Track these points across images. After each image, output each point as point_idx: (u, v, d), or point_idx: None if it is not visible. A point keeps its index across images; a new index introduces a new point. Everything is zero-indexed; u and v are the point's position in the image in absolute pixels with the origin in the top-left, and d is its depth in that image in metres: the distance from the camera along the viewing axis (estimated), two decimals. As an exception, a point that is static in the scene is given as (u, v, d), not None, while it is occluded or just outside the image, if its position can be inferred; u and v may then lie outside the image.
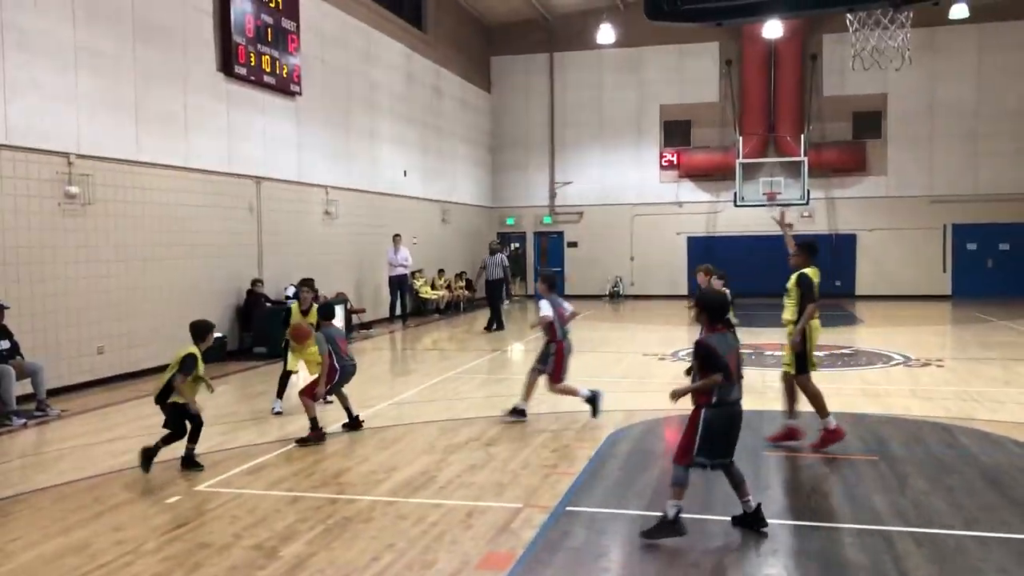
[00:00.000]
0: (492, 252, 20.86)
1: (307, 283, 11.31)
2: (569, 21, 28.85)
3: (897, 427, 9.20)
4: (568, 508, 6.53)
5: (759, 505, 5.93)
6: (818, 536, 5.92)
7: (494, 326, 19.75)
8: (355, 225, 20.19)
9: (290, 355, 10.46)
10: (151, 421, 10.20)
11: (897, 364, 13.91)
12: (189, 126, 14.49)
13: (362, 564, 5.43)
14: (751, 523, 5.89)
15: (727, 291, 10.48)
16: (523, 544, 5.74)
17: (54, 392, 11.29)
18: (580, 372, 12.83)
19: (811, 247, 8.37)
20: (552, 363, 9.53)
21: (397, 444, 8.81)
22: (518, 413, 9.60)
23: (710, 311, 5.94)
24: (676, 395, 5.81)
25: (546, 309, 9.51)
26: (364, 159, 20.86)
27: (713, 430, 5.68)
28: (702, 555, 5.57)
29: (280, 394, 10.51)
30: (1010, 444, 8.29)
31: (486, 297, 21.12)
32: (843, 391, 11.49)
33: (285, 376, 10.59)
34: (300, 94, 17.73)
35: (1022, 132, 26.16)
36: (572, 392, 9.55)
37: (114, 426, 10.00)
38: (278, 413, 10.34)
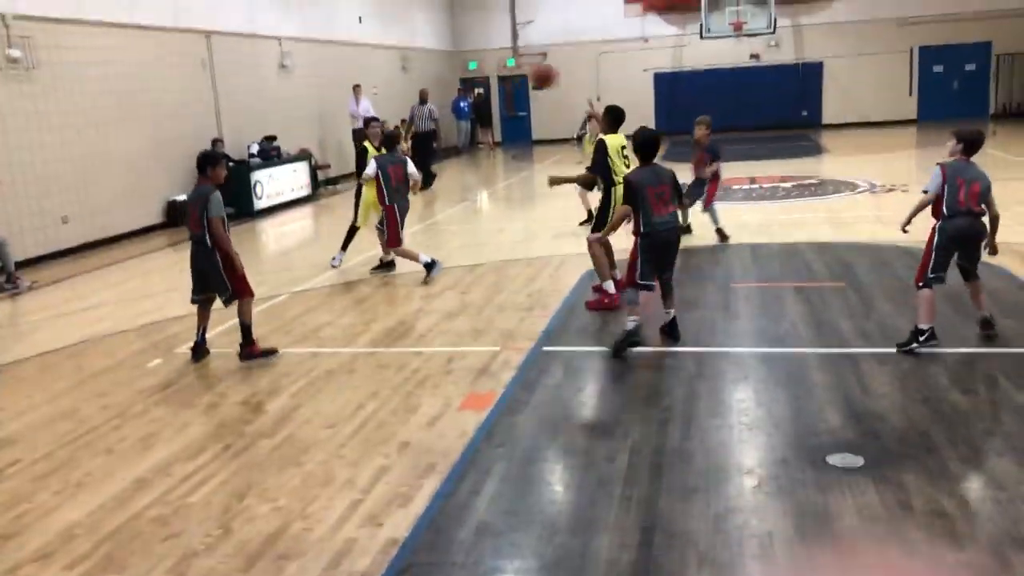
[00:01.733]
0: (422, 100, 19.61)
1: (374, 119, 10.92)
2: None
3: (862, 253, 9.39)
4: (544, 348, 6.70)
5: (674, 317, 6.60)
6: (786, 361, 6.15)
7: (425, 183, 17.76)
8: (313, 77, 19.58)
9: (360, 209, 10.09)
10: (123, 288, 10.21)
11: (863, 191, 14.05)
12: (128, -21, 13.73)
13: (348, 413, 5.59)
14: (668, 331, 6.60)
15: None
16: (502, 385, 5.92)
17: (22, 264, 11.18)
18: (555, 217, 12.88)
19: (615, 113, 7.68)
20: (386, 227, 9.33)
21: (374, 297, 8.90)
22: (386, 266, 9.89)
23: (641, 149, 6.40)
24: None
25: (370, 168, 9.26)
26: (317, 6, 19.99)
27: (648, 254, 6.32)
28: (675, 384, 5.78)
29: (345, 246, 10.36)
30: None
31: (414, 150, 18.83)
32: (809, 220, 11.65)
33: (352, 231, 10.31)
34: (243, -61, 16.76)
35: (993, -54, 25.45)
36: (411, 256, 9.28)
37: (86, 295, 9.98)
38: (335, 266, 10.25)
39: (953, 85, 26.76)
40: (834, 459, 4.49)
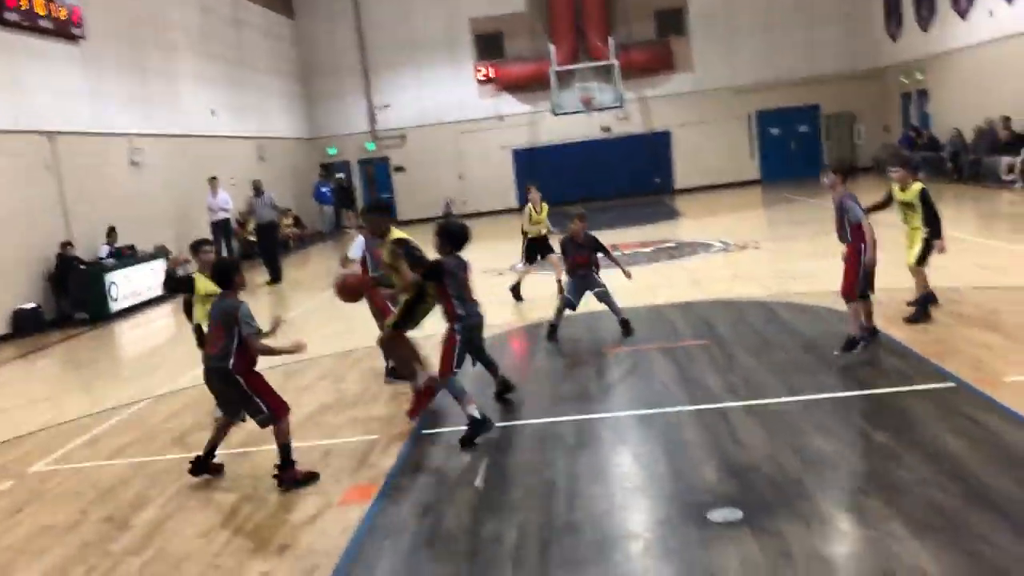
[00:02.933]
0: (257, 192, 18.62)
1: (205, 242, 9.52)
2: (367, -62, 27.81)
3: (723, 310, 9.78)
4: (423, 431, 6.62)
5: (502, 377, 7.01)
6: (661, 421, 6.29)
7: (273, 277, 17.51)
8: (167, 172, 19.10)
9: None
10: (-32, 407, 9.49)
11: (718, 251, 14.70)
12: (-40, 83, 13.14)
13: (220, 520, 5.33)
14: (503, 392, 7.01)
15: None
16: (383, 474, 5.79)
17: None
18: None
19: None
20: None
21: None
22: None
23: (450, 241, 6.41)
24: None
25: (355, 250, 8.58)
26: (167, 102, 19.63)
27: (465, 343, 6.35)
28: (556, 455, 5.80)
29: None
30: (824, 312, 8.98)
31: (257, 244, 18.46)
32: (671, 282, 12.07)
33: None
34: (85, 38, 16.37)
35: (812, 20, 27.60)
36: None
37: (-74, 419, 9.22)
38: None
39: (790, 146, 28.61)
40: (715, 515, 4.58)
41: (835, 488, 4.86)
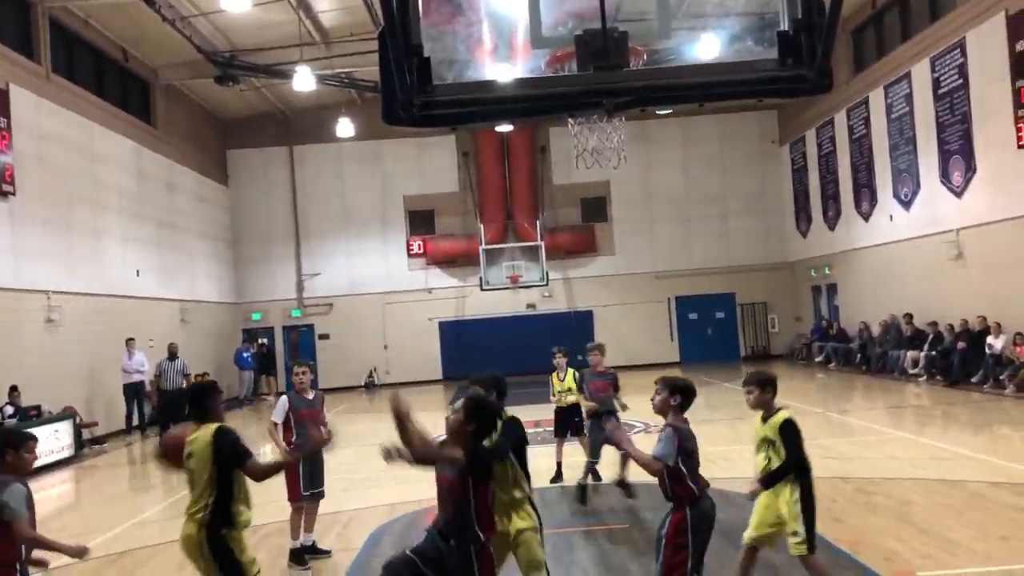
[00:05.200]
0: (171, 356, 18.60)
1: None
2: (307, 115, 28.89)
3: (642, 493, 9.77)
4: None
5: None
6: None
7: None
8: (83, 331, 18.64)
9: None
10: None
11: (639, 431, 14.83)
12: None
13: None
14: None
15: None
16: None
17: None
18: (340, 468, 12.52)
19: None
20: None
21: (141, 569, 8.11)
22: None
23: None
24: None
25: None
26: (90, 260, 19.45)
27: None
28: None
29: None
30: (739, 499, 9.05)
31: (163, 411, 18.41)
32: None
33: None
34: (14, 194, 16.33)
35: (725, 213, 29.34)
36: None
37: None
38: None
39: (707, 331, 29.58)
40: None
41: None
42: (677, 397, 5.00)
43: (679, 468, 4.87)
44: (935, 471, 9.92)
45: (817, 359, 25.04)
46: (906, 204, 21.14)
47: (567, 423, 11.19)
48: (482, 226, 28.29)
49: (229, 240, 29.08)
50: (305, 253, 29.52)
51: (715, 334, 29.49)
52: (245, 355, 26.73)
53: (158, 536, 9.38)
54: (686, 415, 5.02)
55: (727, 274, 29.22)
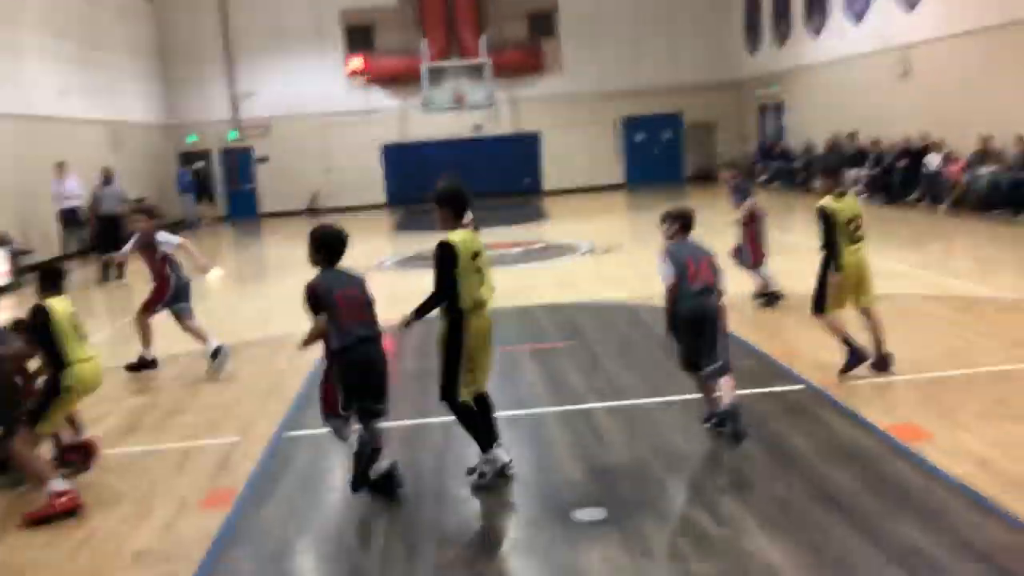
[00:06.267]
0: (106, 180, 17.86)
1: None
2: (233, -81, 26.87)
3: (589, 312, 10.00)
4: (287, 434, 6.46)
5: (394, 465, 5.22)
6: (527, 422, 6.37)
7: (105, 276, 16.01)
8: (9, 155, 17.86)
9: None
10: None
11: (584, 253, 15.01)
12: None
13: (69, 527, 5.03)
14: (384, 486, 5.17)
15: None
16: (244, 478, 5.62)
17: None
18: (290, 294, 12.54)
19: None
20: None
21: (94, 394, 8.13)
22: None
23: (323, 248, 5.19)
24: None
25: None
26: (10, 79, 18.36)
27: (348, 379, 5.05)
28: (425, 456, 5.79)
29: None
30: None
31: (99, 237, 17.29)
32: (539, 284, 12.23)
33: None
34: (-83, 6, 15.13)
35: (675, 31, 28.54)
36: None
37: None
38: None
39: (654, 152, 29.50)
40: (579, 514, 4.68)
41: (693, 487, 5.06)
42: (676, 223, 5.87)
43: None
44: (868, 286, 10.27)
45: (760, 179, 25.27)
46: (857, 17, 20.79)
47: None
48: (424, 42, 27.20)
49: (157, 58, 27.60)
50: (238, 72, 28.23)
51: (661, 155, 29.43)
52: (188, 178, 26.17)
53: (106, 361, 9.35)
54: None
55: (675, 94, 28.82)
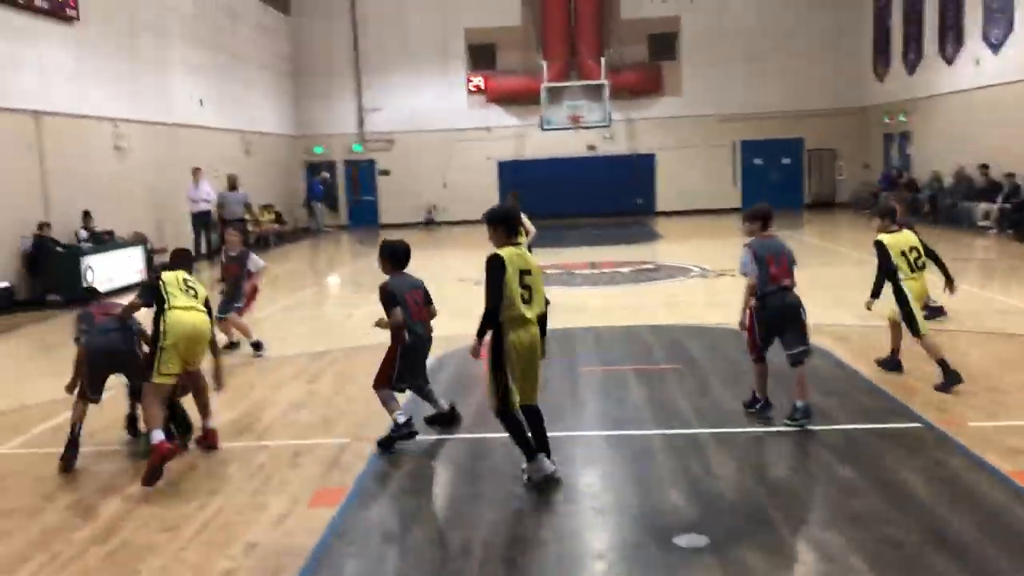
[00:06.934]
0: (231, 186, 18.82)
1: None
2: (368, -60, 27.82)
3: (696, 335, 9.88)
4: (395, 438, 6.62)
5: (452, 404, 6.81)
6: (631, 443, 6.35)
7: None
8: (150, 160, 18.97)
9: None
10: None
11: (695, 276, 14.84)
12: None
13: (188, 513, 5.32)
14: (448, 420, 6.74)
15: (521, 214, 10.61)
16: (353, 478, 5.80)
17: None
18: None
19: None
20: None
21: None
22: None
23: (390, 258, 6.56)
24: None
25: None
26: (155, 89, 19.51)
27: (405, 359, 6.40)
28: (520, 469, 5.84)
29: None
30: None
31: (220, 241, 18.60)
32: (647, 304, 12.16)
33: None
34: (78, 19, 16.27)
35: (801, 54, 27.90)
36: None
37: None
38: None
39: (772, 177, 28.89)
40: (680, 540, 4.65)
41: (799, 520, 4.94)
42: (756, 222, 6.65)
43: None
44: (994, 324, 9.81)
45: (884, 209, 24.38)
46: (995, 47, 19.90)
47: None
48: (544, 63, 27.47)
49: (290, 72, 28.81)
50: (366, 87, 29.16)
51: (779, 180, 28.80)
52: (320, 187, 27.36)
53: (226, 359, 9.81)
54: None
55: (796, 118, 28.18)
